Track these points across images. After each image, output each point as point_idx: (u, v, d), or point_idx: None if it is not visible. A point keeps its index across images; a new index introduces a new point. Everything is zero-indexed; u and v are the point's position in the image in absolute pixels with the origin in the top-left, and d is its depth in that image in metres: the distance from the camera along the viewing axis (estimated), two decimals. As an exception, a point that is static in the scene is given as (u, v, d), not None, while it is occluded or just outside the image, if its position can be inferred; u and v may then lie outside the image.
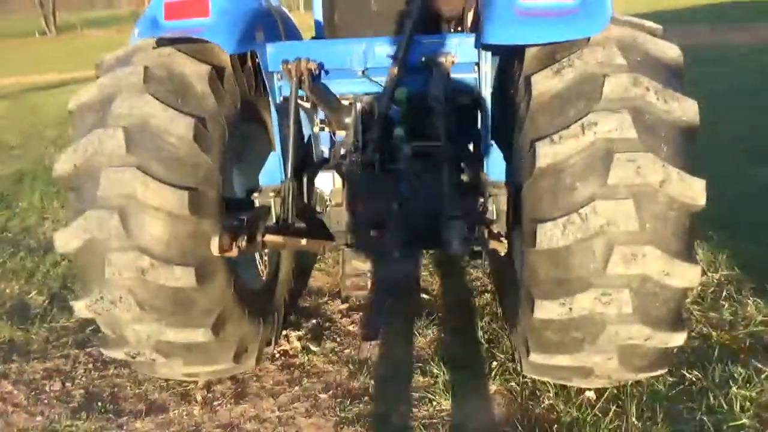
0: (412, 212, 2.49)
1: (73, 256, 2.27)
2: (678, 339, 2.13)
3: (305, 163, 2.89)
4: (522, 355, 2.41)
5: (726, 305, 3.11)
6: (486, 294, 3.43)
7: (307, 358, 2.98)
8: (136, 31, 2.35)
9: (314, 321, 3.29)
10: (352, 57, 2.55)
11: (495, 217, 2.51)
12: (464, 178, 2.72)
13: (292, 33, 2.92)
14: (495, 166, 2.52)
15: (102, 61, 2.40)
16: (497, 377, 2.69)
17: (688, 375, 2.60)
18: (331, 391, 2.73)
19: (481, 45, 2.31)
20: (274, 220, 2.56)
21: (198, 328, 2.30)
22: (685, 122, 1.99)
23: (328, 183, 2.62)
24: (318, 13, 3.18)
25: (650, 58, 2.08)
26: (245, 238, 2.15)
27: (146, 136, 2.15)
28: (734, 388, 2.48)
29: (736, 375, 2.55)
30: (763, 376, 2.53)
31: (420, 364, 2.84)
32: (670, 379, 2.60)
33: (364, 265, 2.70)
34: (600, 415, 2.42)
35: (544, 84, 2.09)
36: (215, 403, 2.71)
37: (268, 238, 2.31)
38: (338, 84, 2.67)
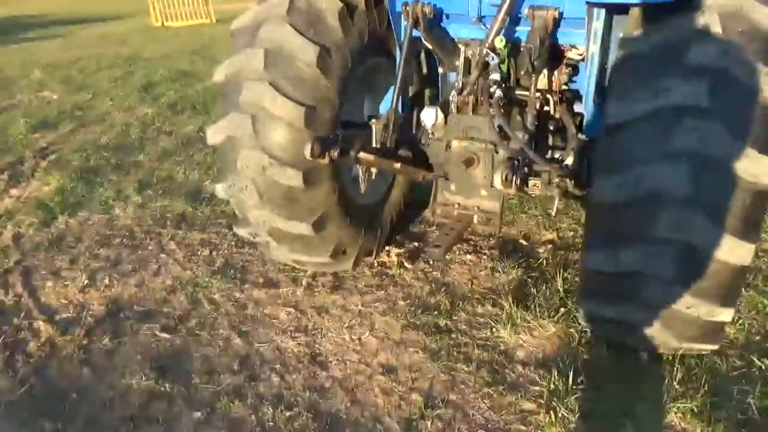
0: (497, 154, 2.69)
1: (217, 148, 2.86)
2: (724, 315, 2.15)
3: (419, 99, 3.21)
4: (579, 303, 2.56)
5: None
6: (569, 242, 3.53)
7: (399, 271, 3.38)
8: None
9: (415, 244, 3.67)
10: (468, 4, 2.71)
11: (579, 169, 2.63)
12: (556, 128, 2.84)
13: None
14: (593, 122, 2.61)
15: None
16: (560, 321, 2.86)
17: (757, 362, 2.54)
18: (408, 301, 3.12)
19: (587, 1, 2.38)
20: (378, 143, 2.88)
21: (301, 222, 2.78)
22: (762, 101, 1.94)
23: (431, 118, 2.91)
24: None
25: (753, 29, 2.02)
26: (338, 150, 2.43)
27: (281, 58, 2.59)
28: (800, 384, 2.40)
29: (810, 372, 2.45)
30: (841, 380, 2.40)
31: (493, 297, 3.10)
32: (738, 362, 2.57)
33: (453, 197, 2.98)
34: (645, 375, 2.51)
35: (634, 45, 2.16)
36: (315, 289, 3.25)
37: (363, 155, 2.54)
38: (455, 29, 2.85)
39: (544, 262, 3.40)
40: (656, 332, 2.33)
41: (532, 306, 2.98)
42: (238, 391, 2.57)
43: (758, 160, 1.92)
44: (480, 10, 2.70)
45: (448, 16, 2.84)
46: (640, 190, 2.04)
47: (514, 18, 2.63)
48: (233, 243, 3.78)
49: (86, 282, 3.36)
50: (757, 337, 2.72)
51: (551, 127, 2.88)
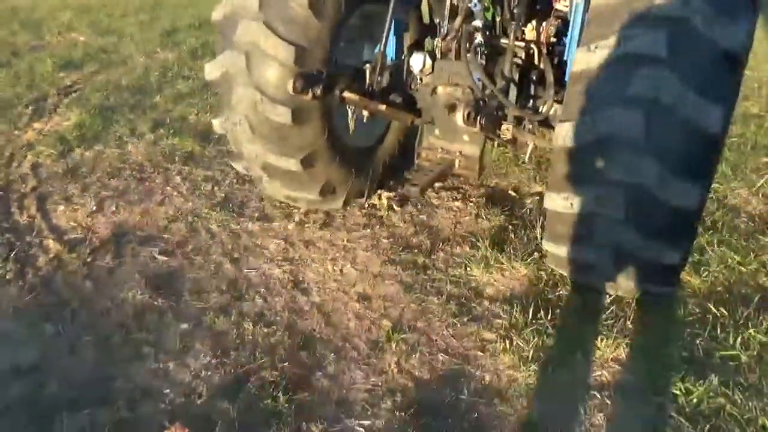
0: (478, 100, 2.79)
1: (214, 84, 3.01)
2: (671, 257, 2.26)
3: (414, 47, 3.30)
4: (543, 245, 2.69)
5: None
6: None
7: (387, 213, 3.54)
8: None
9: (405, 189, 3.81)
10: None
11: (551, 115, 2.73)
12: (539, 77, 2.92)
13: None
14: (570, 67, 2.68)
15: None
16: (532, 264, 3.00)
17: (713, 310, 2.66)
18: (392, 239, 3.29)
19: None
20: (366, 86, 2.97)
21: (290, 158, 2.94)
22: (727, 50, 2.01)
23: (418, 63, 3.01)
24: None
25: None
26: (321, 87, 2.58)
27: (260, 57, 2.68)
28: (751, 330, 2.51)
29: (762, 321, 2.56)
30: (790, 329, 2.51)
31: (473, 240, 3.24)
32: (696, 309, 2.69)
33: (437, 141, 3.10)
34: (602, 314, 2.65)
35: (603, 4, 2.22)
36: (306, 225, 3.43)
37: (347, 95, 2.71)
38: None
39: (528, 211, 3.52)
40: (613, 274, 2.46)
41: (508, 250, 3.12)
42: (223, 308, 2.79)
43: (708, 109, 2.01)
44: None
45: None
46: (595, 134, 2.15)
47: None
48: (235, 180, 3.96)
49: (95, 208, 3.60)
50: (719, 288, 2.83)
51: (534, 77, 2.96)
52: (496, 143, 3.47)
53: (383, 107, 2.92)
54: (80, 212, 3.56)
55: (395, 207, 3.61)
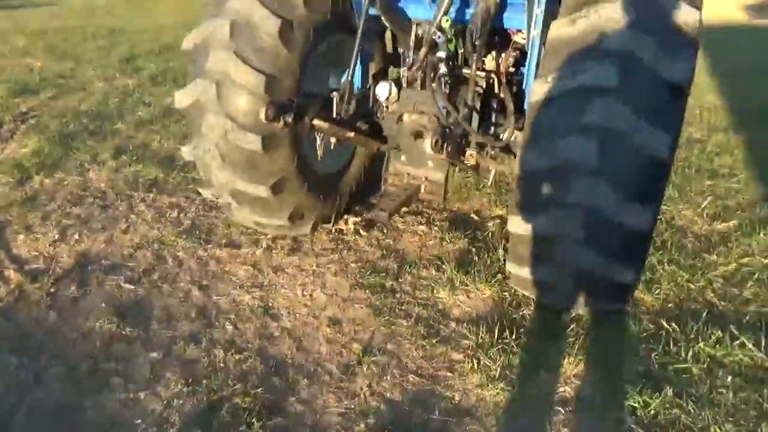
0: (444, 127, 2.91)
1: (185, 112, 3.04)
2: (626, 276, 2.40)
3: (379, 75, 3.44)
4: (507, 266, 2.80)
5: (751, 284, 3.15)
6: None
7: (354, 238, 3.61)
8: None
9: (372, 214, 3.89)
10: None
11: (512, 141, 2.88)
12: (500, 106, 3.08)
13: None
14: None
15: None
16: (496, 285, 3.11)
17: (666, 325, 2.80)
18: (360, 263, 3.35)
19: None
20: (336, 114, 3.06)
21: (260, 185, 2.99)
22: (672, 82, 2.17)
23: (384, 92, 3.11)
24: None
25: (665, 19, 2.25)
26: (292, 115, 2.63)
27: (246, 29, 2.77)
28: (701, 344, 2.67)
29: (711, 334, 2.71)
30: (736, 342, 2.67)
31: (438, 263, 3.34)
32: (650, 326, 2.83)
33: (403, 167, 3.20)
34: (563, 331, 2.77)
35: (559, 30, 2.37)
36: (274, 251, 3.47)
37: (317, 122, 2.77)
38: (411, 9, 3.06)
39: (490, 234, 3.65)
40: (573, 293, 2.58)
41: (473, 272, 3.22)
42: (193, 336, 2.79)
43: (657, 136, 2.17)
44: None
45: None
46: (554, 160, 2.27)
47: (462, 0, 2.87)
48: (201, 207, 3.98)
49: (57, 237, 3.55)
50: (671, 305, 2.99)
51: (495, 105, 3.11)
52: (459, 169, 3.59)
53: (351, 134, 3.02)
54: (42, 241, 3.50)
55: (362, 231, 3.67)
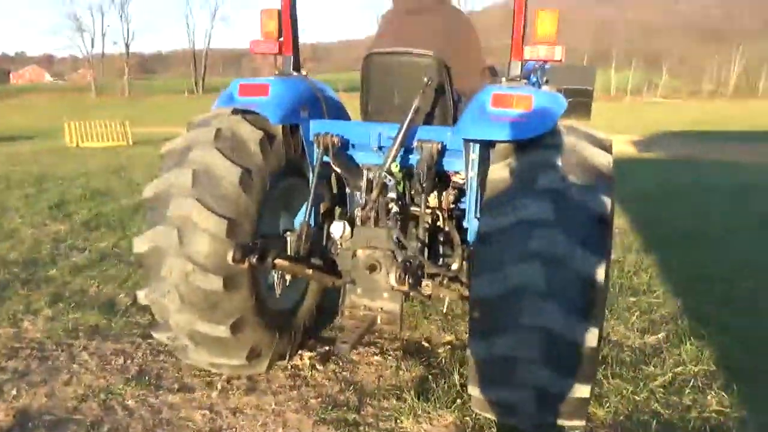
0: (402, 261, 3.07)
1: (142, 257, 3.08)
2: (583, 391, 2.57)
3: (329, 214, 3.68)
4: (468, 390, 2.90)
5: (689, 391, 3.39)
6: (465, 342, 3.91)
7: (311, 373, 3.61)
8: (216, 102, 3.31)
9: (326, 347, 3.93)
10: (370, 136, 3.28)
11: (461, 270, 3.14)
12: (446, 239, 3.38)
13: (336, 113, 3.68)
14: (472, 230, 3.15)
15: (192, 120, 3.26)
16: (456, 410, 3.16)
17: (625, 439, 2.94)
18: (320, 398, 3.33)
19: (462, 138, 3.00)
20: (292, 252, 3.27)
21: (220, 325, 3.02)
22: (598, 213, 2.52)
23: (339, 230, 3.27)
24: (361, 101, 3.68)
25: (584, 161, 2.66)
26: (256, 257, 2.78)
27: (207, 177, 2.95)
28: (657, 454, 2.80)
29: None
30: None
31: (398, 392, 3.38)
32: (609, 439, 2.96)
33: (359, 300, 3.34)
34: (529, 452, 2.84)
35: (498, 172, 2.71)
36: (230, 392, 3.39)
37: (279, 261, 2.93)
38: (359, 156, 3.40)
39: (443, 360, 3.76)
40: (534, 412, 2.68)
41: (433, 398, 3.27)
42: (150, 491, 2.63)
43: (592, 260, 2.45)
44: (379, 140, 3.28)
45: (353, 145, 3.40)
46: (506, 286, 2.49)
47: (407, 148, 3.20)
48: (148, 352, 3.87)
49: (-8, 393, 3.33)
50: (621, 417, 3.14)
51: (441, 238, 3.40)
52: (408, 299, 3.75)
53: (310, 271, 3.18)
54: (-25, 400, 3.26)
55: (318, 366, 3.69)
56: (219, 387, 3.44)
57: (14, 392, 3.36)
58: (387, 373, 3.63)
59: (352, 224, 3.30)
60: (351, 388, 3.44)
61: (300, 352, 3.83)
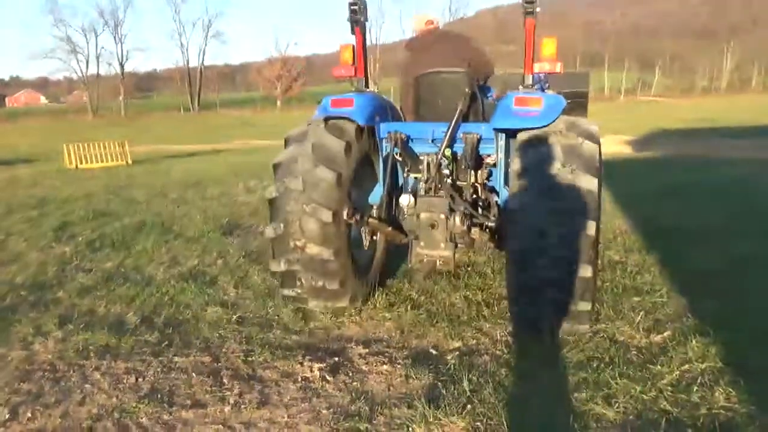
0: (449, 220, 4.35)
1: (270, 242, 4.41)
2: (585, 305, 3.86)
3: (397, 191, 4.86)
4: (510, 309, 4.18)
5: (696, 389, 3.42)
6: (473, 348, 3.95)
7: (321, 384, 3.64)
8: (316, 112, 4.58)
9: (336, 359, 3.96)
10: (426, 132, 4.54)
11: (498, 224, 4.40)
12: (484, 202, 4.67)
13: (396, 116, 5.05)
14: (502, 196, 4.50)
15: (289, 135, 4.53)
16: (467, 416, 3.20)
17: (632, 436, 2.97)
18: (332, 410, 3.36)
19: (493, 128, 4.29)
20: (376, 214, 4.65)
21: (334, 280, 4.39)
22: (585, 188, 3.68)
23: (406, 200, 4.44)
24: (408, 107, 5.15)
25: (577, 150, 3.83)
26: (359, 216, 4.41)
27: (312, 180, 4.26)
28: (667, 451, 2.83)
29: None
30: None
31: (408, 400, 3.41)
32: (618, 438, 2.99)
33: (423, 250, 4.47)
34: (541, 454, 2.87)
35: (521, 156, 3.92)
36: (242, 406, 3.43)
37: (371, 221, 4.50)
38: (418, 146, 4.65)
39: (452, 366, 3.79)
40: (552, 323, 3.84)
41: (443, 405, 3.31)
42: (169, 507, 2.66)
43: (587, 216, 3.65)
44: (432, 135, 4.53)
45: (413, 140, 4.67)
46: (533, 234, 3.73)
47: (454, 139, 4.45)
48: (159, 370, 3.90)
49: (8, 416, 3.35)
50: (631, 417, 3.17)
51: (480, 203, 4.64)
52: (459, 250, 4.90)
53: (389, 229, 4.57)
54: (-10, 423, 3.29)
55: (328, 377, 3.73)
56: (231, 401, 3.47)
57: (29, 414, 3.39)
58: (397, 381, 3.67)
59: (416, 195, 4.47)
60: (362, 398, 3.48)
61: (309, 364, 3.86)
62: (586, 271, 3.64)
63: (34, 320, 4.75)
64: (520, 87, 4.27)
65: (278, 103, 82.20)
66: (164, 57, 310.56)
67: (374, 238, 5.02)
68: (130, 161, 18.44)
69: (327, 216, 4.17)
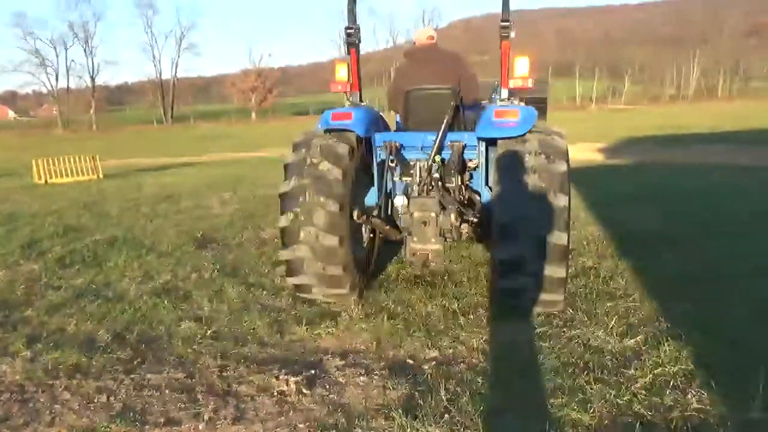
0: (439, 218, 4.82)
1: (283, 231, 4.81)
2: (561, 272, 4.37)
3: (390, 193, 5.33)
4: (495, 283, 4.61)
5: (669, 392, 3.46)
6: (450, 358, 3.96)
7: (298, 397, 3.60)
8: (318, 124, 5.05)
9: (312, 371, 3.93)
10: (416, 141, 5.09)
11: (482, 220, 4.86)
12: (468, 201, 5.22)
13: (386, 126, 5.57)
14: (484, 195, 5.21)
15: (296, 141, 5.00)
16: (444, 426, 3.19)
17: (607, 441, 2.99)
18: (309, 423, 3.33)
19: (476, 137, 4.93)
20: (376, 214, 5.01)
21: (338, 266, 4.77)
22: (559, 173, 4.31)
23: (400, 201, 4.96)
24: (400, 117, 5.68)
25: (552, 147, 4.46)
26: (365, 216, 4.87)
27: (321, 178, 4.72)
28: (642, 454, 2.86)
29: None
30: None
31: (386, 411, 3.39)
32: (593, 443, 3.01)
33: (416, 246, 4.92)
34: (518, 462, 2.87)
35: (502, 159, 4.53)
36: (217, 422, 3.37)
37: (374, 219, 4.96)
38: (409, 153, 5.19)
39: (429, 376, 3.79)
40: (533, 293, 4.36)
41: (421, 415, 3.30)
42: None
43: (560, 198, 4.26)
44: (422, 143, 5.07)
45: (405, 148, 5.20)
46: (515, 215, 4.29)
47: (442, 146, 4.99)
48: (131, 387, 3.82)
49: (-27, 440, 3.25)
50: (606, 422, 3.19)
51: (466, 201, 5.15)
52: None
53: (387, 227, 5.10)
54: (-46, 448, 3.19)
55: (304, 390, 3.69)
56: (206, 418, 3.41)
57: (-5, 438, 3.29)
58: (374, 392, 3.65)
59: (408, 197, 4.98)
60: (339, 410, 3.45)
61: (285, 377, 3.82)
62: (562, 242, 4.20)
63: (1, 340, 4.62)
64: (497, 100, 5.05)
65: (253, 114, 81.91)
66: (136, 69, 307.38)
67: (371, 236, 5.48)
68: (101, 175, 18.13)
69: (334, 206, 4.62)
